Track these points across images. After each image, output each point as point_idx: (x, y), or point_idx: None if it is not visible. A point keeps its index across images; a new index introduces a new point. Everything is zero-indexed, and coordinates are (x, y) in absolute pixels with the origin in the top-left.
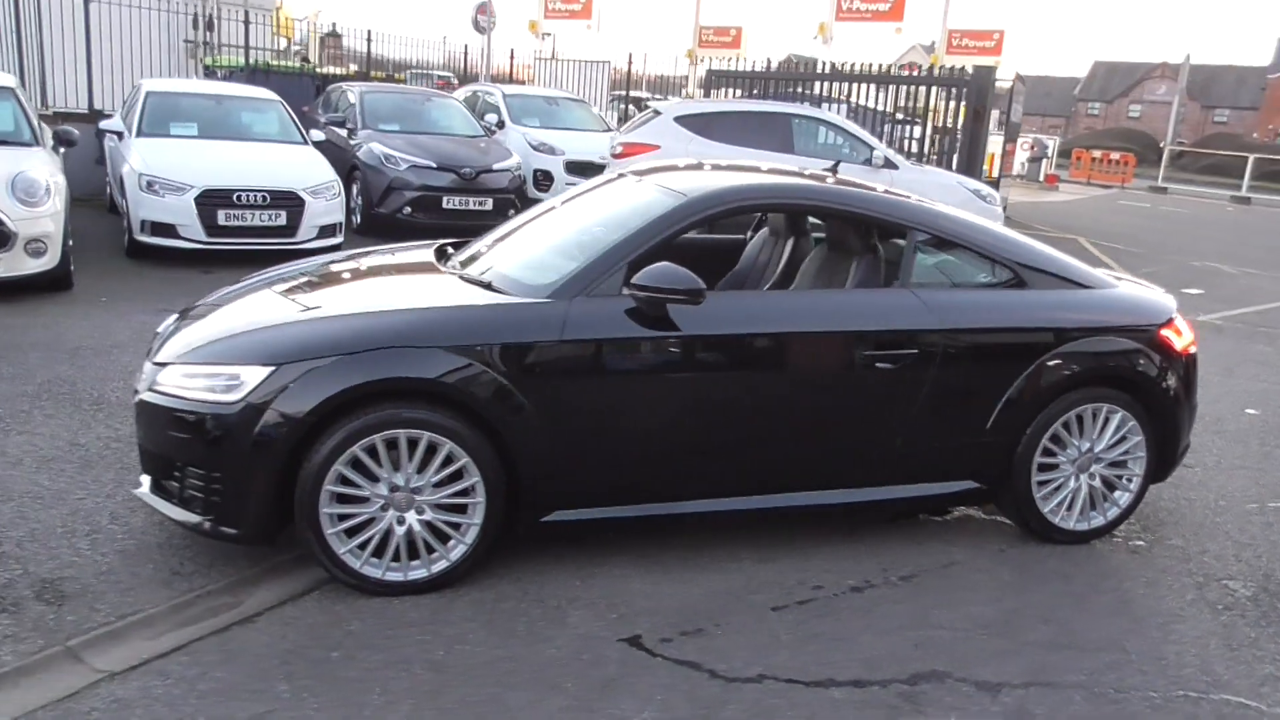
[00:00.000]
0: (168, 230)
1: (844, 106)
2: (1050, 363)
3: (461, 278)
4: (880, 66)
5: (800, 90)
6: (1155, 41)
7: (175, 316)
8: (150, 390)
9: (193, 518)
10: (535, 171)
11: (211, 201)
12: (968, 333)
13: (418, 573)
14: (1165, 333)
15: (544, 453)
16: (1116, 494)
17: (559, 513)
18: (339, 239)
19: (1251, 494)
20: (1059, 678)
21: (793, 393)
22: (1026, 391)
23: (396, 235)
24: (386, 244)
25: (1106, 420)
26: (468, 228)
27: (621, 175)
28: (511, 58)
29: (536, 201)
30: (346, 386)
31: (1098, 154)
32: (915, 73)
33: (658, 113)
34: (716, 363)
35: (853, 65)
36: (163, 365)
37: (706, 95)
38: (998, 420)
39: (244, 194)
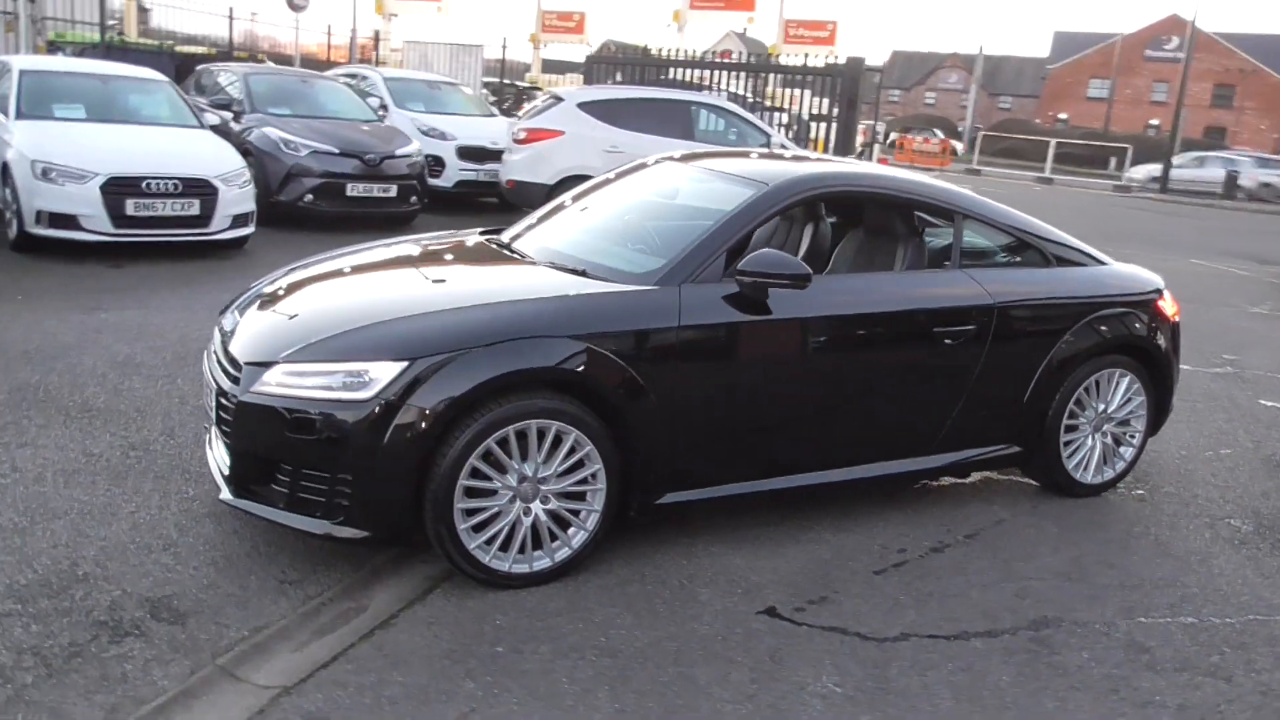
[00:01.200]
0: (67, 222)
1: (723, 94)
2: (1078, 333)
3: (553, 266)
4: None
5: (666, 77)
6: (946, 33)
7: (236, 307)
8: (254, 391)
9: (313, 523)
10: (426, 157)
11: (118, 190)
12: (1015, 307)
13: (542, 563)
14: (1160, 303)
15: (661, 436)
16: (1123, 449)
17: (672, 494)
18: (250, 229)
19: (1202, 444)
20: (1148, 614)
21: (877, 369)
22: (1058, 360)
23: (297, 225)
24: (341, 234)
25: (1117, 383)
26: (372, 216)
27: (659, 162)
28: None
29: (432, 189)
30: (488, 379)
31: (921, 139)
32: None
33: (559, 99)
34: (814, 343)
35: (742, 55)
36: (265, 364)
37: (587, 82)
38: (1036, 387)
39: (154, 182)
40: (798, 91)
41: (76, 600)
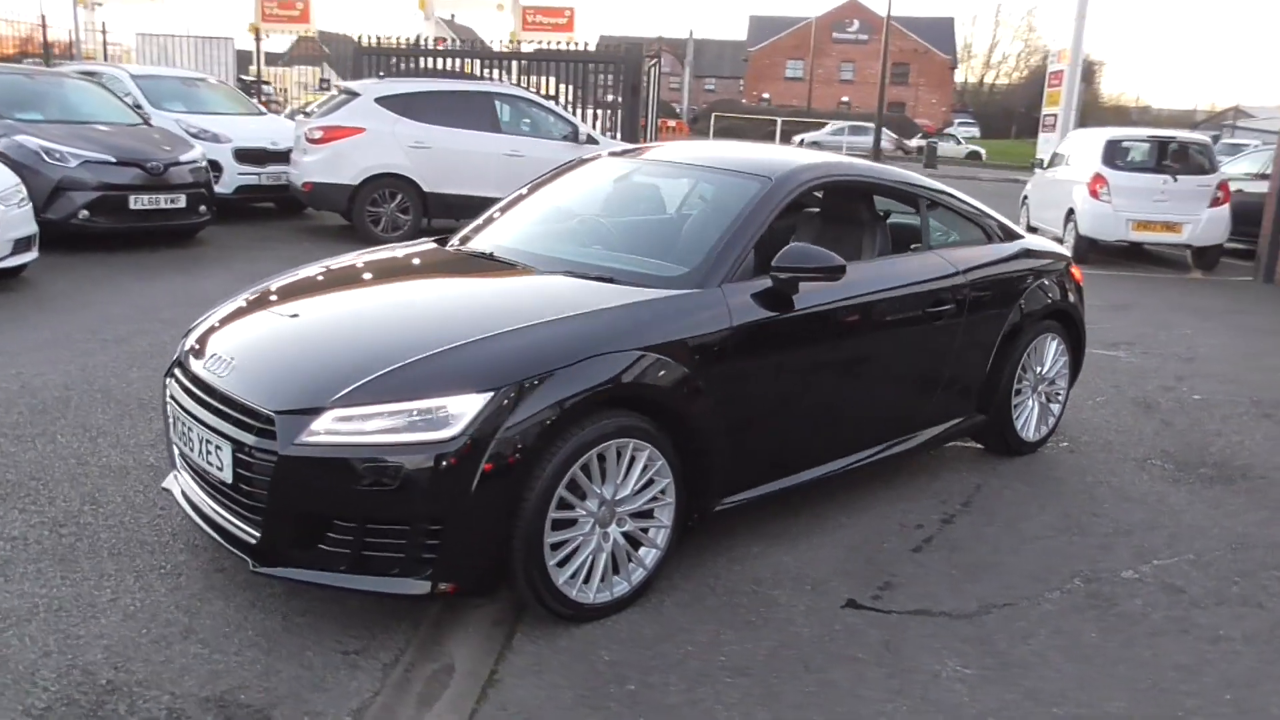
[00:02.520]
0: None
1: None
2: (1025, 302)
3: (570, 274)
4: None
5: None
6: (648, 18)
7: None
8: (301, 443)
9: (390, 582)
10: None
11: None
12: (979, 283)
13: (620, 588)
14: (1073, 269)
15: (720, 441)
16: (1053, 406)
17: (727, 499)
18: (34, 254)
19: (1080, 394)
20: (1158, 557)
21: (887, 352)
22: (1010, 329)
23: (71, 246)
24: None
25: (1049, 346)
26: (158, 230)
27: (600, 158)
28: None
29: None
30: (575, 401)
31: (673, 123)
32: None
33: (354, 94)
34: (840, 332)
35: (453, 42)
36: (310, 411)
37: (357, 75)
38: (996, 356)
39: None
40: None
41: (124, 715)
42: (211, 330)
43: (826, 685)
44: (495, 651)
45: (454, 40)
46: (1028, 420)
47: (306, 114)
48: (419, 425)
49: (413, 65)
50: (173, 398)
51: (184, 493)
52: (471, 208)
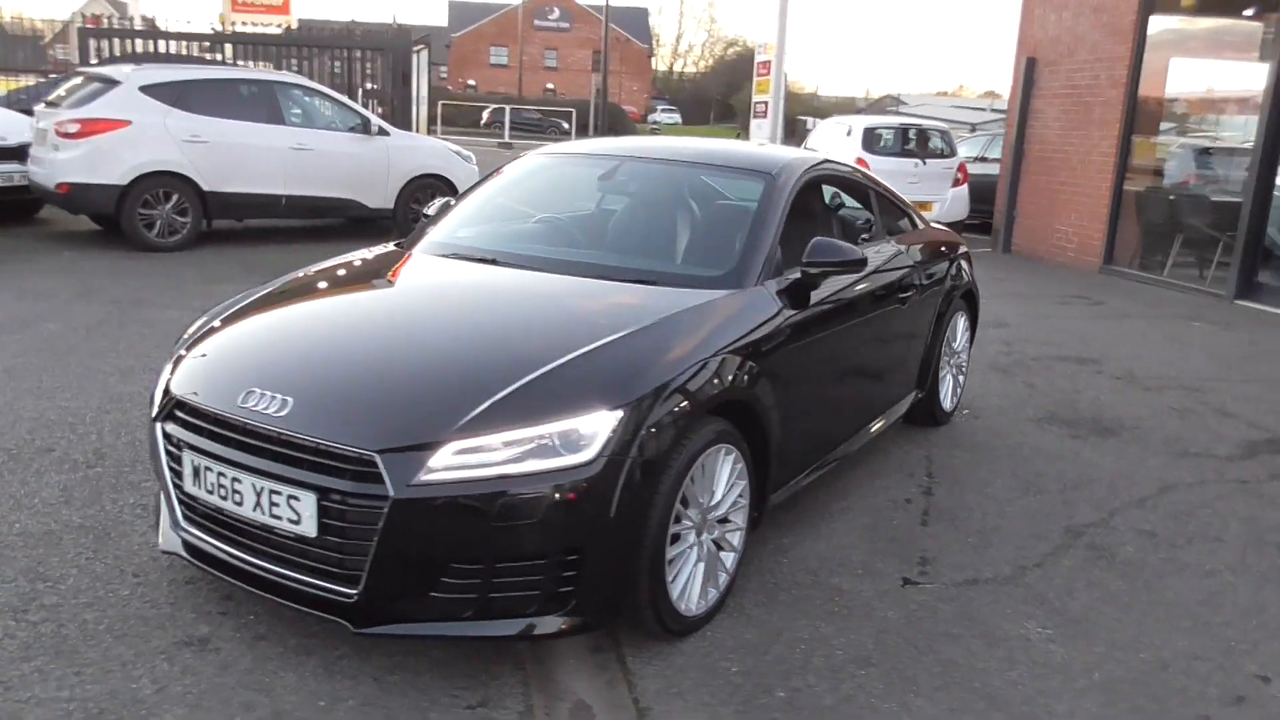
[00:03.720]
0: None
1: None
2: (949, 284)
3: (604, 278)
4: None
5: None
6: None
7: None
8: (418, 484)
9: (521, 624)
10: None
11: None
12: (926, 268)
13: (711, 596)
14: (965, 249)
15: (781, 439)
16: (960, 377)
17: (775, 495)
18: None
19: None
20: (1110, 505)
21: (881, 336)
22: (941, 307)
23: None
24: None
25: (959, 321)
26: None
27: (550, 155)
28: None
29: None
30: (691, 411)
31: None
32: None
33: (111, 81)
34: (853, 320)
35: (113, 19)
36: (421, 446)
37: (84, 61)
38: (932, 335)
39: None
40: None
41: None
42: (220, 365)
43: (948, 664)
44: (617, 680)
45: (114, 18)
46: (947, 393)
47: (52, 104)
48: (553, 450)
49: (146, 49)
50: (181, 445)
51: (209, 554)
52: (257, 207)
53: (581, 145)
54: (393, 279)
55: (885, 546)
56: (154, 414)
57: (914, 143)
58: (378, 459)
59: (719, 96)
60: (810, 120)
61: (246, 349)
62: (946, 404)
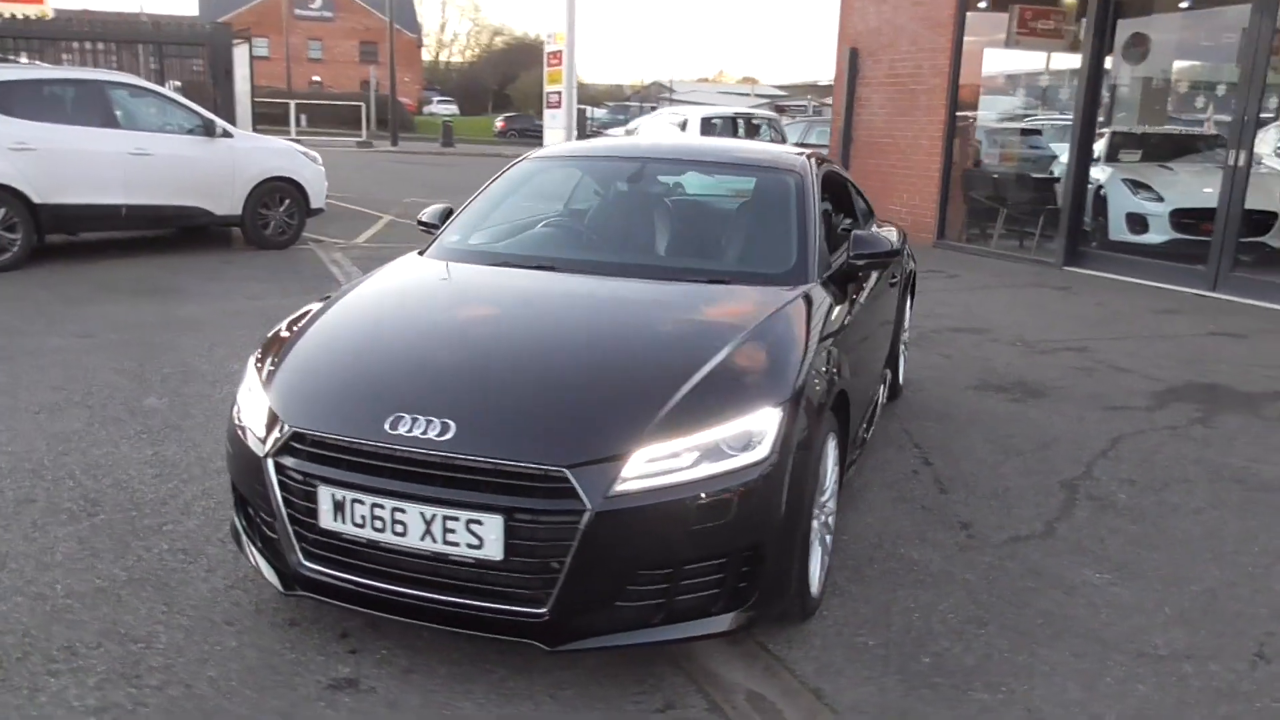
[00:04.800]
0: None
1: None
2: (906, 269)
3: (681, 280)
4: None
5: None
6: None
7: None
8: (615, 495)
9: (711, 623)
10: None
11: None
12: (898, 254)
13: (822, 576)
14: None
15: (850, 425)
16: (905, 353)
17: (848, 474)
18: None
19: None
20: (1083, 460)
21: (885, 317)
22: (903, 292)
23: None
24: None
25: (907, 306)
26: None
27: (523, 159)
28: None
29: None
30: (829, 404)
31: None
32: None
33: None
34: (875, 303)
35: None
36: (609, 458)
37: None
38: (897, 315)
39: None
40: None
41: None
42: (345, 392)
43: (1046, 615)
44: (774, 668)
45: None
46: (901, 369)
47: None
48: (730, 450)
49: None
50: (311, 479)
51: (349, 590)
52: (96, 219)
53: (595, 146)
54: (469, 291)
55: (923, 515)
56: (266, 450)
57: (744, 132)
58: (569, 474)
59: (495, 86)
60: (591, 109)
61: (370, 373)
62: (901, 379)
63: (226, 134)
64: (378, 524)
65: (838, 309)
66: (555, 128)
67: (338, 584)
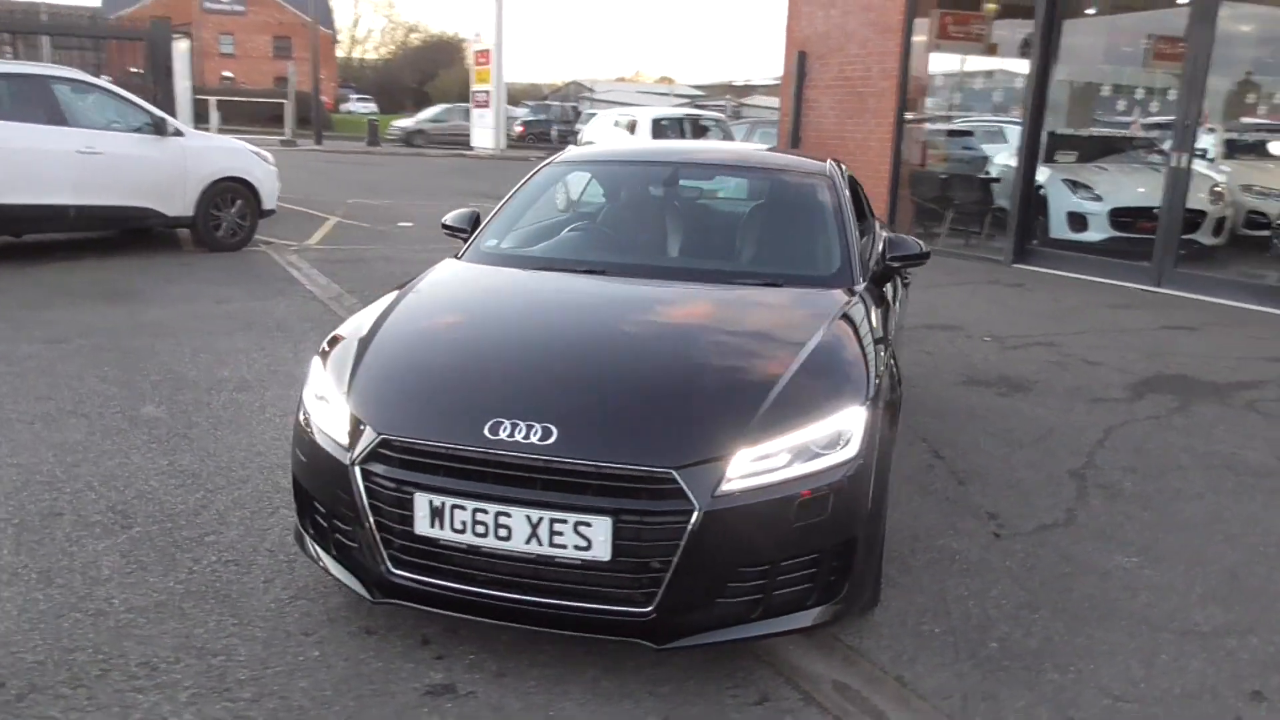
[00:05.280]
0: None
1: None
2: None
3: (733, 284)
4: None
5: None
6: None
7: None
8: (721, 495)
9: (805, 616)
10: None
11: None
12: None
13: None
14: None
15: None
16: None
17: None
18: None
19: None
20: (1081, 449)
21: (896, 315)
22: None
23: None
24: None
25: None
26: None
27: (549, 163)
28: None
29: None
30: (895, 398)
31: None
32: None
33: None
34: (893, 301)
35: None
36: (711, 460)
37: None
38: (900, 316)
39: None
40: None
41: None
42: (436, 398)
43: (1090, 598)
44: (852, 657)
45: None
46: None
47: None
48: (823, 448)
49: None
50: (404, 486)
51: (442, 596)
52: (42, 219)
53: (624, 151)
54: (535, 296)
55: (949, 507)
56: (353, 457)
57: (690, 132)
58: (676, 475)
59: (415, 84)
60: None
61: (459, 379)
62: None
63: (178, 133)
64: (479, 529)
65: (885, 310)
66: (483, 127)
67: (431, 590)
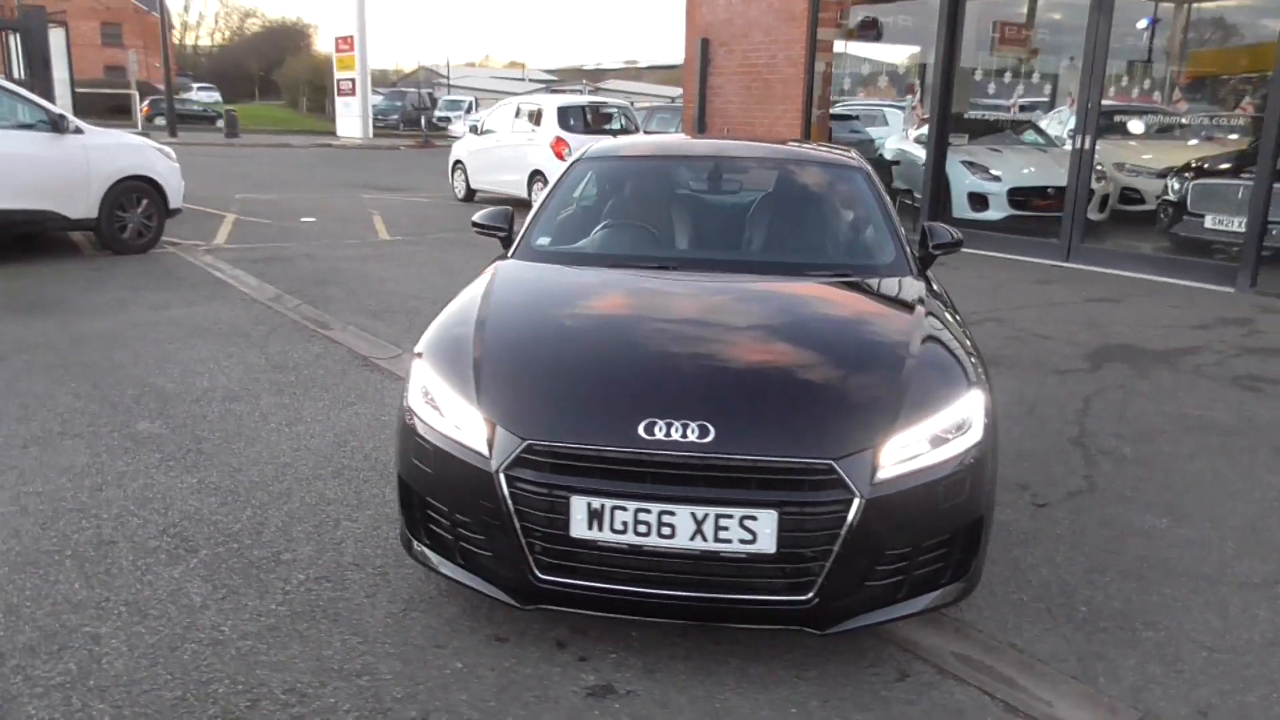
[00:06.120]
0: None
1: None
2: None
3: (796, 277)
4: None
5: None
6: None
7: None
8: (877, 484)
9: (936, 596)
10: None
11: None
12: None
13: None
14: None
15: None
16: None
17: None
18: None
19: None
20: (1066, 415)
21: None
22: None
23: None
24: None
25: None
26: None
27: (580, 159)
28: None
29: None
30: (989, 383)
31: None
32: None
33: None
34: None
35: None
36: (860, 450)
37: None
38: None
39: None
40: None
41: None
42: (582, 403)
43: (1143, 559)
44: (961, 630)
45: None
46: None
47: None
48: (955, 435)
49: None
50: (557, 490)
51: (593, 598)
52: None
53: (661, 144)
54: (623, 294)
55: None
56: (499, 464)
57: (599, 121)
58: (836, 466)
59: (261, 72)
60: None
61: (598, 380)
62: None
63: (78, 130)
64: (641, 528)
65: (944, 295)
66: (349, 116)
67: (584, 593)
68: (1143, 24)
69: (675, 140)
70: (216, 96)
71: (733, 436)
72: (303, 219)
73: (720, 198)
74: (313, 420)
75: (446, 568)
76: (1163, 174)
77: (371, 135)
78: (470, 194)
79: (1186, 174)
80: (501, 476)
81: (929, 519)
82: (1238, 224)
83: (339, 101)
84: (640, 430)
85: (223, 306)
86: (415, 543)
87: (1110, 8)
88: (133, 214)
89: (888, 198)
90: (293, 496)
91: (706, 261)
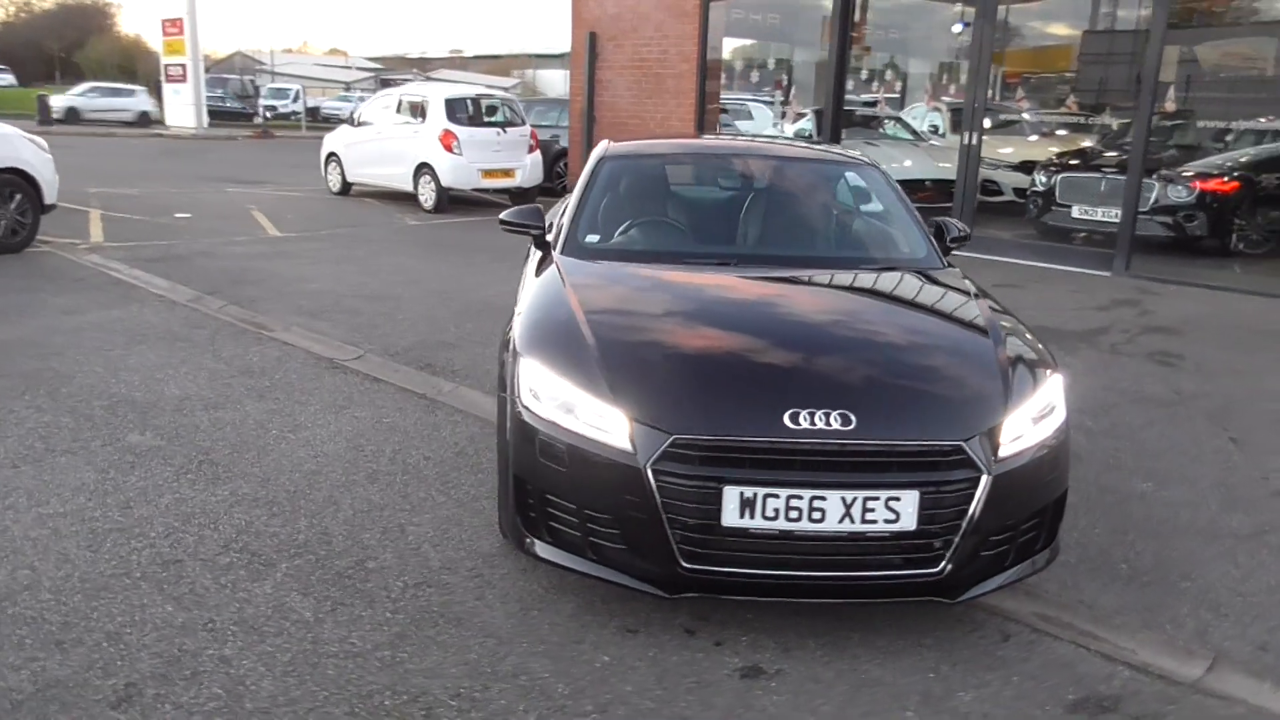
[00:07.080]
0: None
1: None
2: None
3: (864, 268)
4: None
5: None
6: None
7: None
8: (1002, 461)
9: (1026, 567)
10: None
11: None
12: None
13: None
14: None
15: None
16: None
17: None
18: None
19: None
20: None
21: None
22: None
23: None
24: None
25: None
26: None
27: (604, 158)
28: None
29: None
30: None
31: None
32: None
33: None
34: None
35: None
36: (984, 432)
37: None
38: None
39: None
40: None
41: None
42: (724, 397)
43: (1151, 519)
44: (1031, 592)
45: None
46: None
47: None
48: (1048, 415)
49: None
50: (712, 481)
51: (742, 583)
52: None
53: (685, 143)
54: (705, 290)
55: None
56: (646, 459)
57: (484, 113)
58: (965, 447)
59: (61, 54)
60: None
61: (734, 373)
62: None
63: None
64: (793, 514)
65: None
66: (181, 105)
67: (732, 579)
68: (958, 28)
69: (693, 140)
70: (11, 79)
71: (873, 423)
72: (176, 215)
73: (755, 195)
74: (314, 426)
75: (577, 563)
76: (1017, 167)
77: (207, 124)
78: (346, 187)
79: (1052, 168)
80: (649, 471)
81: (1033, 492)
82: (1101, 213)
83: (168, 88)
84: (785, 420)
85: (143, 309)
86: (537, 541)
87: (993, 13)
88: (5, 210)
89: (904, 193)
90: (342, 505)
91: (762, 257)
